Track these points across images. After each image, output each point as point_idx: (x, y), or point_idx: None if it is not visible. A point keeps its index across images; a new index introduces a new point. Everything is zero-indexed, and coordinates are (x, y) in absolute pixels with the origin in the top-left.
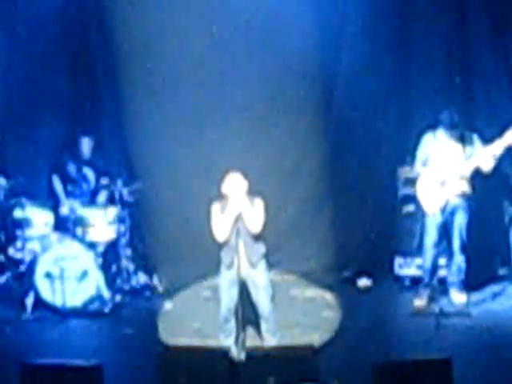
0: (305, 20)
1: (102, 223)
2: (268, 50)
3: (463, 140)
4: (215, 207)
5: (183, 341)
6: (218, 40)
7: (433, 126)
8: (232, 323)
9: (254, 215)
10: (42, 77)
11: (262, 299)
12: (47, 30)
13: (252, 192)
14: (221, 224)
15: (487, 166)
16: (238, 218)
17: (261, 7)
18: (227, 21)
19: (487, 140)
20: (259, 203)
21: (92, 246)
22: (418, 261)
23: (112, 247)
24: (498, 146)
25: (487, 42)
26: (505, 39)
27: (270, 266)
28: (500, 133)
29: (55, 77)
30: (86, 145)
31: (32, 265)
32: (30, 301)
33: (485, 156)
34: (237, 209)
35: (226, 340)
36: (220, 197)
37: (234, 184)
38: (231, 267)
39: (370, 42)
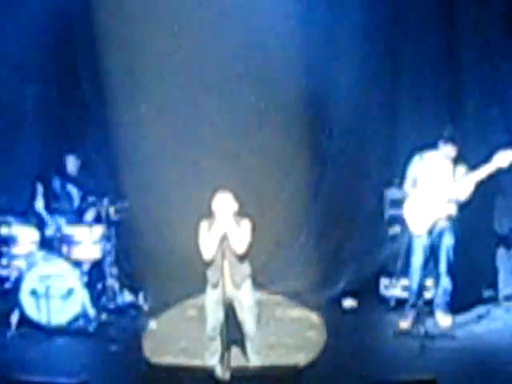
0: (294, 39)
1: (88, 242)
2: (258, 66)
3: (456, 161)
4: (203, 225)
5: (168, 360)
6: (207, 61)
7: (421, 148)
8: (217, 343)
9: (240, 236)
10: (27, 92)
11: (248, 319)
12: (33, 43)
13: (238, 212)
14: (207, 242)
15: (463, 194)
16: (224, 238)
17: (251, 23)
18: (216, 37)
19: (474, 165)
20: (246, 224)
21: (77, 264)
22: (404, 282)
23: (97, 266)
24: (485, 171)
25: (476, 67)
26: (494, 62)
27: (256, 286)
28: (487, 158)
29: (40, 92)
30: (72, 163)
31: (17, 282)
32: (14, 318)
33: (468, 183)
34: (223, 228)
35: (211, 359)
36: (209, 215)
37: (222, 203)
38: (217, 287)
39: (360, 66)
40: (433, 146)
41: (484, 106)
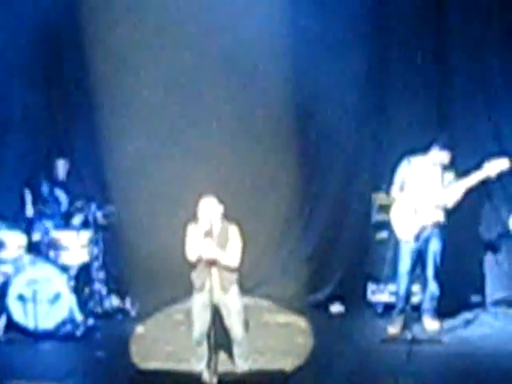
0: (281, 45)
1: (75, 246)
2: (246, 71)
3: (445, 168)
4: (190, 228)
5: (155, 364)
6: (194, 63)
7: (409, 153)
8: (204, 347)
9: (230, 255)
10: (15, 96)
11: (235, 324)
12: (20, 47)
13: (225, 216)
14: (193, 246)
15: (451, 201)
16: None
17: (238, 28)
18: (204, 43)
19: (464, 171)
20: (234, 231)
21: (65, 268)
22: (391, 287)
23: (85, 270)
24: (474, 179)
25: (466, 72)
26: (483, 69)
27: (243, 291)
28: (478, 165)
29: (28, 97)
30: (61, 167)
31: (4, 287)
32: (1, 323)
33: (456, 191)
34: (208, 250)
35: (198, 364)
36: (195, 219)
37: (207, 207)
38: (202, 290)
39: (348, 68)
40: (422, 151)
41: (473, 112)
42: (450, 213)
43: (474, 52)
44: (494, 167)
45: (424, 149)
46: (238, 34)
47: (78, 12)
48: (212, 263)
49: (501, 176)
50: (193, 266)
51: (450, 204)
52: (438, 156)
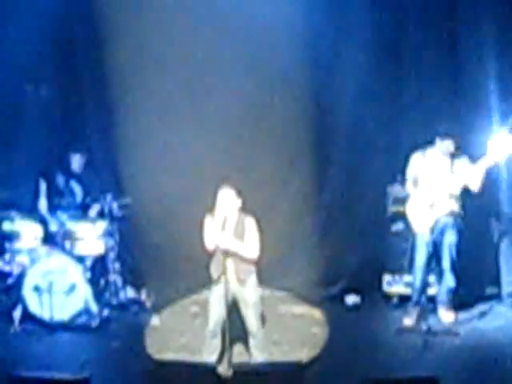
0: (295, 37)
1: (91, 237)
2: (261, 65)
3: (453, 156)
4: (208, 220)
5: (170, 356)
6: (208, 57)
7: (422, 145)
8: (217, 340)
9: (247, 246)
10: (32, 90)
11: (250, 315)
12: (37, 42)
13: (242, 208)
14: (210, 238)
15: (475, 185)
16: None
17: (253, 26)
18: (218, 38)
19: (475, 158)
20: (251, 223)
21: (80, 259)
22: (407, 278)
23: (100, 261)
24: (485, 164)
25: (477, 65)
26: (494, 63)
27: (259, 282)
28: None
29: (44, 91)
30: (76, 161)
31: (20, 278)
32: (17, 314)
33: (472, 174)
34: (226, 225)
35: (210, 357)
36: (212, 211)
37: (226, 199)
38: (218, 282)
39: (363, 65)
40: (430, 143)
41: (485, 100)
42: (464, 203)
43: (487, 49)
44: (503, 149)
45: (431, 141)
46: (252, 20)
47: (92, 6)
48: (229, 254)
49: None
50: (210, 257)
51: (476, 187)
52: (443, 146)
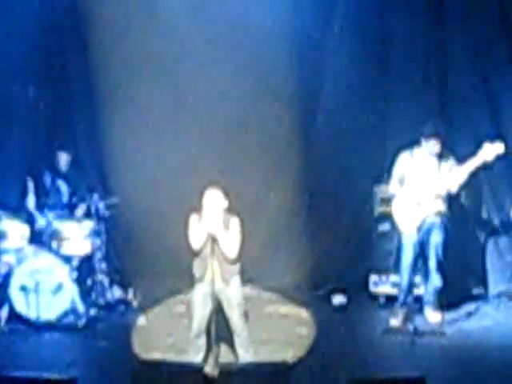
0: (285, 45)
1: (78, 237)
2: (248, 68)
3: (440, 156)
4: (193, 218)
5: (157, 355)
6: (196, 59)
7: (409, 145)
8: (202, 340)
9: (230, 241)
10: (16, 90)
11: (234, 315)
12: (23, 42)
13: (228, 209)
14: (196, 236)
15: (454, 185)
16: (214, 239)
17: (241, 30)
18: (206, 42)
19: (462, 158)
20: (235, 223)
21: (67, 259)
22: (393, 278)
23: (87, 261)
24: (472, 164)
25: (465, 65)
26: (483, 62)
27: (245, 282)
28: (474, 151)
29: (31, 90)
30: (63, 159)
31: (7, 277)
32: (4, 313)
33: (459, 174)
34: (211, 226)
35: (196, 357)
36: (199, 209)
37: (212, 200)
38: (202, 280)
39: (349, 63)
40: (416, 143)
41: (472, 99)
42: (451, 203)
43: (474, 41)
44: (489, 152)
45: (417, 141)
46: (243, 23)
47: (80, 5)
48: (214, 250)
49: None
50: (194, 256)
51: (454, 189)
52: (428, 146)
